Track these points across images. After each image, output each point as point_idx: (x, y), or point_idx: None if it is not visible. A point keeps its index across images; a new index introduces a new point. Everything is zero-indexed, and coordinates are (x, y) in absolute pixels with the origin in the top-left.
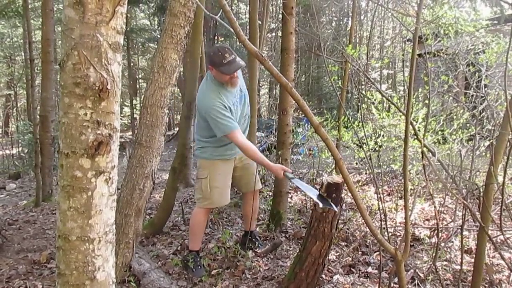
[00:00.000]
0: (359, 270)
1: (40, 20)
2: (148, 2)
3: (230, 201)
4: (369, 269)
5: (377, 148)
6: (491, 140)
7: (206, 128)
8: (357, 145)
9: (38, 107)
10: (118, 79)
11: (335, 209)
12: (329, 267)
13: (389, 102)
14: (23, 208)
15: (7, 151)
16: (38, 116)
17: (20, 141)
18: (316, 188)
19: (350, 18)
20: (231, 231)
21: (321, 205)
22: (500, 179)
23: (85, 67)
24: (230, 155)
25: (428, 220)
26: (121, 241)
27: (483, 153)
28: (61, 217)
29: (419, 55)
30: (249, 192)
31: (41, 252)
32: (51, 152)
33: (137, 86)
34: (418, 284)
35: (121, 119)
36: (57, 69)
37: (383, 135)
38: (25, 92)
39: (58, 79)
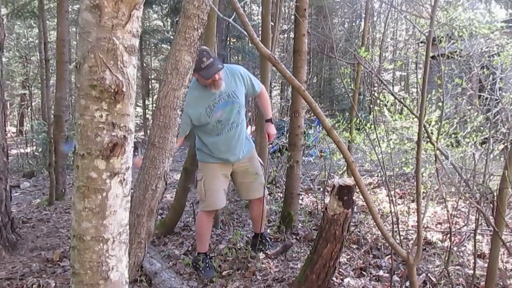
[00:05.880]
0: (370, 273)
1: (55, 20)
2: (161, 3)
3: (240, 202)
4: (381, 273)
5: (389, 151)
6: (506, 144)
7: (200, 133)
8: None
9: (53, 107)
10: (133, 81)
11: None
12: (340, 270)
13: (402, 104)
14: (37, 207)
15: (22, 150)
16: (52, 116)
17: (34, 140)
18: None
19: (363, 20)
20: (242, 232)
21: None
22: None
23: (101, 69)
24: (224, 159)
25: (440, 223)
26: (133, 241)
27: (497, 157)
28: (76, 217)
29: (433, 57)
30: (254, 199)
31: (54, 250)
32: (65, 151)
33: (150, 86)
34: None
35: None
36: (71, 69)
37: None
38: (39, 92)
39: (73, 80)
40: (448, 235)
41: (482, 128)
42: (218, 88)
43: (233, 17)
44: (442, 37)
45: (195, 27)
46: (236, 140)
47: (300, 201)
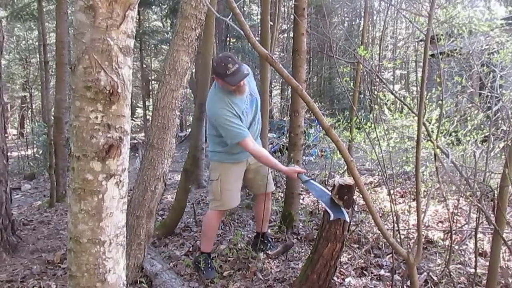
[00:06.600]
0: (372, 273)
1: (55, 22)
2: (160, 4)
3: (241, 202)
4: (382, 272)
5: (389, 150)
6: (506, 141)
7: (217, 135)
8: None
9: (53, 109)
10: (129, 82)
11: (347, 219)
12: (341, 269)
13: (402, 103)
14: (37, 209)
15: (22, 152)
16: (52, 118)
17: (35, 142)
18: (329, 190)
19: (362, 19)
20: (242, 233)
21: (332, 217)
22: None
23: (96, 71)
24: (241, 158)
25: (441, 222)
26: (133, 243)
27: (498, 155)
28: (72, 219)
29: (432, 55)
30: (261, 193)
31: (55, 252)
32: (65, 153)
33: (150, 87)
34: (431, 287)
35: (134, 120)
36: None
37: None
38: (40, 94)
39: None
40: (449, 234)
41: (482, 126)
42: (243, 93)
43: (230, 16)
44: (442, 35)
45: (193, 27)
46: (257, 135)
47: (300, 201)
